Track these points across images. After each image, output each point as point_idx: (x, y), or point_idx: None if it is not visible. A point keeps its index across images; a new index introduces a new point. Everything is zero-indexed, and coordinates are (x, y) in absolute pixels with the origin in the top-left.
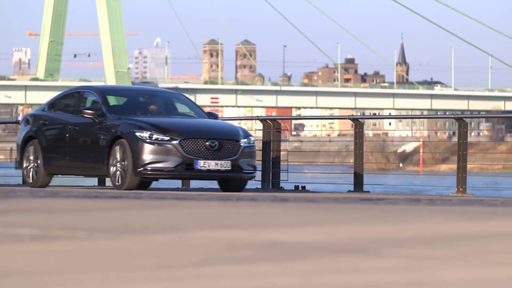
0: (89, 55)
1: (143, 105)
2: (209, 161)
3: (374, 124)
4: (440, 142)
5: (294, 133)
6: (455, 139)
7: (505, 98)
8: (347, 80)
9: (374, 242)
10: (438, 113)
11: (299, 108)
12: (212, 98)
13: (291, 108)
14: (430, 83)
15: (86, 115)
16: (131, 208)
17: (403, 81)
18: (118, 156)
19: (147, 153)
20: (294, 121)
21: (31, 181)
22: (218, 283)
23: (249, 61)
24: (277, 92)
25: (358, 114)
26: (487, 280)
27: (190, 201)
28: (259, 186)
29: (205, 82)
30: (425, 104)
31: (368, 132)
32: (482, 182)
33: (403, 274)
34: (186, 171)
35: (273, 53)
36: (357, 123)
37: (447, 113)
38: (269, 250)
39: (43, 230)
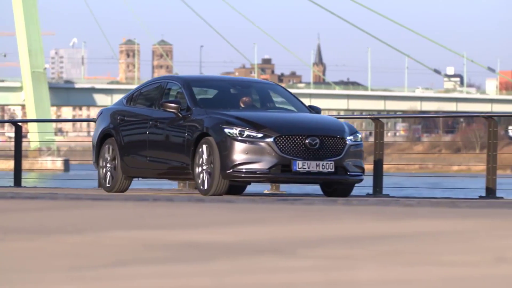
0: (5, 55)
1: (234, 97)
2: (308, 162)
3: None
4: None
5: None
6: (371, 139)
7: (421, 99)
8: None
9: (289, 242)
10: (355, 113)
11: None
12: None
13: None
14: (347, 84)
15: (168, 109)
16: (46, 209)
17: (320, 82)
18: (204, 156)
19: (238, 153)
20: None
21: (107, 184)
22: (134, 283)
23: (165, 61)
24: None
25: None
26: (401, 280)
27: (106, 201)
28: (176, 186)
29: (112, 82)
30: (342, 104)
31: None
32: (393, 182)
33: (318, 274)
34: (282, 174)
35: (190, 53)
36: None
37: (363, 113)
38: (185, 250)
39: None
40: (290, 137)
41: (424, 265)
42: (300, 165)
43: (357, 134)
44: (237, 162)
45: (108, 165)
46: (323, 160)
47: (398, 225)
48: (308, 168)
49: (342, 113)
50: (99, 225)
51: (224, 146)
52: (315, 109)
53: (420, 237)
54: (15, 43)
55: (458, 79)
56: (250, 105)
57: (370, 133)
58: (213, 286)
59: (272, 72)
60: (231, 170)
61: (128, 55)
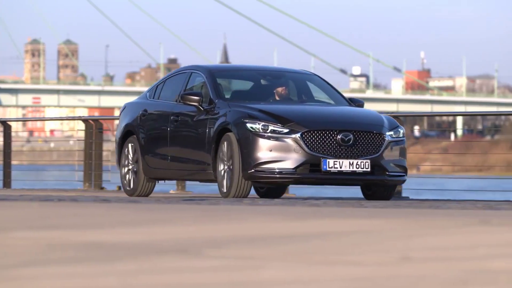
0: None
1: (265, 88)
2: (341, 160)
3: None
4: None
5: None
6: None
7: None
8: None
9: (195, 242)
10: None
11: None
12: (34, 98)
13: (114, 108)
14: None
15: (189, 102)
16: None
17: None
18: (225, 154)
19: (260, 150)
20: (117, 121)
21: (128, 188)
22: (39, 283)
23: (71, 61)
24: (99, 92)
25: None
26: (306, 280)
27: (10, 201)
28: (81, 187)
29: (17, 82)
30: None
31: None
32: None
33: (224, 274)
34: (310, 174)
35: (96, 53)
36: None
37: None
38: (91, 251)
39: None
40: (319, 132)
41: (330, 265)
42: (331, 164)
43: (399, 130)
44: (259, 161)
45: (130, 166)
46: (358, 158)
47: (304, 225)
48: (340, 167)
49: None
50: (3, 226)
51: (246, 143)
52: (356, 102)
53: (326, 237)
54: None
55: (364, 79)
56: (286, 98)
57: None
58: (119, 286)
59: None
60: (252, 170)
61: (33, 55)
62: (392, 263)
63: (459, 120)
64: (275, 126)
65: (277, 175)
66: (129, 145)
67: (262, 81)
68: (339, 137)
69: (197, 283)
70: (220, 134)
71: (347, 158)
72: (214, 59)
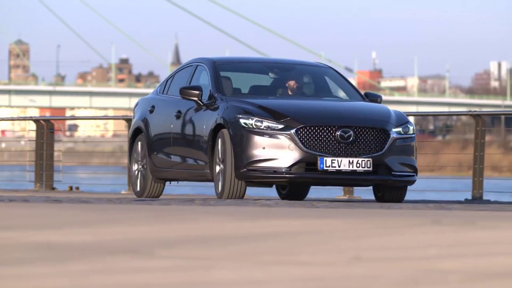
0: None
1: (274, 82)
2: (339, 159)
3: None
4: None
5: (68, 133)
6: None
7: None
8: (121, 80)
9: (147, 242)
10: None
11: (73, 108)
12: None
13: (65, 108)
14: None
15: (187, 97)
16: None
17: None
18: (220, 153)
19: (253, 148)
20: (68, 122)
21: (138, 189)
22: None
23: (22, 61)
24: (51, 93)
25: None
26: (258, 280)
27: None
28: (32, 187)
29: None
30: None
31: None
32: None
33: (176, 274)
34: (306, 173)
35: (47, 53)
36: (131, 123)
37: None
38: (42, 251)
39: None
40: (316, 128)
41: (281, 265)
42: (328, 163)
43: (408, 126)
44: (252, 159)
45: (139, 165)
46: (359, 156)
47: (256, 225)
48: (339, 166)
49: None
50: None
51: (238, 140)
52: (372, 97)
53: (278, 237)
54: None
55: None
56: (299, 92)
57: None
58: (71, 287)
59: (130, 72)
60: (245, 169)
61: None
62: (343, 263)
63: (411, 120)
64: (270, 121)
65: (271, 175)
66: (139, 143)
67: (271, 75)
68: (338, 133)
69: (149, 283)
70: (216, 131)
71: (346, 156)
72: (165, 59)
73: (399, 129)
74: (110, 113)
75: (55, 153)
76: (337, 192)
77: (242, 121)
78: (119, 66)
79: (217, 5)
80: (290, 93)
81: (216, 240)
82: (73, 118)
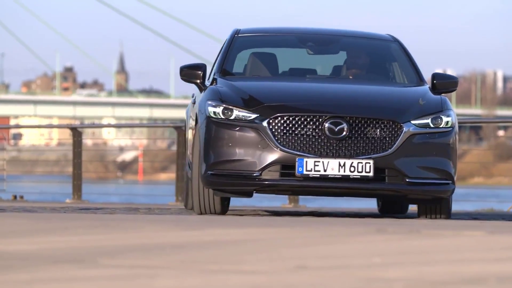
0: None
1: (305, 59)
2: (325, 160)
3: (93, 133)
4: (160, 151)
5: (12, 142)
6: (174, 148)
7: None
8: (66, 89)
9: (90, 251)
10: (158, 122)
11: (17, 116)
12: None
13: (9, 117)
14: (150, 92)
15: (188, 79)
16: None
17: (122, 90)
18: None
19: (217, 144)
20: (12, 130)
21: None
22: None
23: None
24: None
25: (78, 123)
26: None
27: None
28: None
29: None
30: (145, 112)
31: (88, 141)
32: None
33: (120, 282)
34: (281, 179)
35: None
36: (75, 132)
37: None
38: None
39: None
40: (296, 118)
41: (224, 274)
42: (310, 166)
43: (441, 117)
44: (215, 160)
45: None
46: (355, 157)
47: (199, 233)
48: (325, 170)
49: (145, 121)
50: None
51: (205, 135)
52: (439, 78)
53: (221, 246)
54: None
55: None
56: (333, 73)
57: (174, 142)
58: None
59: (74, 80)
60: (208, 173)
61: None
62: (287, 272)
63: None
64: (241, 110)
65: (238, 181)
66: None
67: (308, 51)
68: (326, 125)
69: None
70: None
71: (337, 157)
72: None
73: (425, 120)
74: (55, 121)
75: None
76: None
77: (210, 109)
78: (64, 74)
79: (161, 13)
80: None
81: (159, 249)
82: (18, 126)
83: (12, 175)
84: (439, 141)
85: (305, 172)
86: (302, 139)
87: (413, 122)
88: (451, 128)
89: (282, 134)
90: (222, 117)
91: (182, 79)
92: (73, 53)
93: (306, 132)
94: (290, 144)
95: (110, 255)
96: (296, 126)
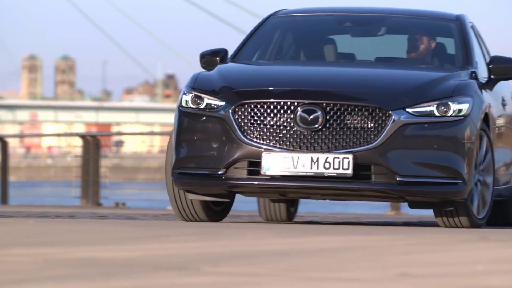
0: None
1: (344, 43)
2: (296, 155)
3: None
4: None
5: (114, 149)
6: None
7: None
8: (168, 96)
9: (193, 258)
10: None
11: (119, 124)
12: (31, 114)
13: (111, 124)
14: None
15: (207, 67)
16: None
17: None
18: None
19: (184, 138)
20: (114, 137)
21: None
22: None
23: (68, 76)
24: (97, 108)
25: None
26: None
27: (7, 218)
28: (78, 203)
29: (14, 98)
30: None
31: None
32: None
33: None
34: (248, 179)
35: (93, 68)
36: None
37: None
38: (87, 267)
39: None
40: (263, 106)
41: (327, 281)
42: (277, 162)
43: (448, 104)
44: (182, 156)
45: None
46: (332, 151)
47: (301, 241)
48: (295, 167)
49: None
50: (0, 242)
51: (176, 127)
52: (496, 62)
53: (323, 253)
54: None
55: None
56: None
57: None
58: None
59: (176, 87)
60: (176, 171)
61: (30, 70)
62: (390, 280)
63: None
64: (211, 98)
65: (203, 180)
66: None
67: (349, 35)
68: (298, 114)
69: None
70: None
71: (310, 151)
72: None
73: (427, 108)
74: (157, 128)
75: (102, 169)
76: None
77: (183, 98)
78: (166, 81)
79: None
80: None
81: (262, 256)
82: (120, 133)
83: (114, 182)
84: (444, 132)
85: (272, 170)
86: (272, 130)
87: (408, 109)
88: (462, 117)
89: (249, 124)
90: (192, 106)
91: (201, 66)
92: (175, 61)
93: (276, 122)
94: (258, 136)
95: (213, 263)
96: (265, 115)
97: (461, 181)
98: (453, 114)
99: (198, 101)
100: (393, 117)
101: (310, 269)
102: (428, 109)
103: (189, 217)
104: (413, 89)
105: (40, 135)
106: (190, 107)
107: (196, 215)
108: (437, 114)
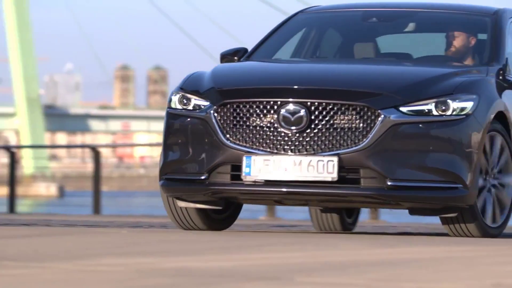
0: None
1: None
2: (279, 158)
3: None
4: None
5: None
6: None
7: None
8: None
9: (286, 268)
10: None
11: None
12: (124, 124)
13: None
14: None
15: None
16: (40, 235)
17: None
18: None
19: (169, 141)
20: None
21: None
22: None
23: (161, 86)
24: None
25: None
26: None
27: (100, 227)
28: None
29: (106, 108)
30: None
31: None
32: None
33: None
34: (231, 184)
35: None
36: None
37: None
38: (180, 277)
39: None
40: (246, 106)
41: None
42: (258, 166)
43: (447, 101)
44: (167, 160)
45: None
46: (317, 154)
47: (394, 251)
48: (276, 171)
49: None
50: (93, 252)
51: (163, 130)
52: None
53: (417, 263)
54: (8, 69)
55: None
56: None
57: None
58: None
59: None
60: (163, 177)
61: (123, 80)
62: None
63: None
64: (197, 98)
65: (188, 186)
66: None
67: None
68: (281, 113)
69: None
70: None
71: (294, 153)
72: None
73: (424, 106)
74: None
75: None
76: None
77: (172, 99)
78: None
79: None
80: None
81: (355, 267)
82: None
83: None
84: (442, 132)
85: (253, 174)
86: (255, 131)
87: (402, 108)
88: (464, 117)
89: (231, 125)
90: (179, 107)
91: None
92: None
93: (260, 123)
94: (241, 138)
95: (307, 273)
96: (248, 115)
97: (461, 185)
98: (454, 113)
99: (185, 101)
100: (382, 116)
101: (404, 280)
102: (425, 107)
103: (186, 225)
104: (409, 87)
105: (132, 145)
106: (178, 108)
107: (193, 223)
108: (435, 113)
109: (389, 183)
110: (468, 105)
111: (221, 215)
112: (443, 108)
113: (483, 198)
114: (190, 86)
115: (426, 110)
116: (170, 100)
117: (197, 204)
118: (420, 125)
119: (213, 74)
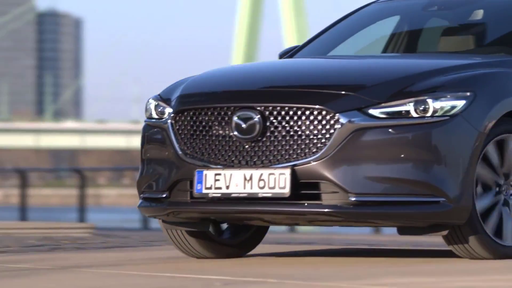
0: None
1: (427, 34)
2: (229, 172)
3: None
4: None
5: None
6: None
7: None
8: None
9: None
10: None
11: None
12: None
13: None
14: None
15: None
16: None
17: None
18: None
19: (142, 156)
20: None
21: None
22: None
23: None
24: None
25: None
26: None
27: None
28: None
29: None
30: None
31: None
32: None
33: None
34: (187, 204)
35: None
36: None
37: None
38: None
39: None
40: (201, 113)
41: None
42: (209, 181)
43: (426, 100)
44: (140, 177)
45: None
46: (269, 166)
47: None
48: (227, 186)
49: None
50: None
51: (140, 142)
52: None
53: None
54: None
55: None
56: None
57: None
58: None
59: None
60: (140, 196)
61: None
62: None
63: None
64: (166, 106)
65: (152, 205)
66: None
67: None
68: (234, 120)
69: None
70: None
71: (246, 166)
72: None
73: (398, 107)
74: None
75: None
76: None
77: (147, 106)
78: None
79: None
80: None
81: None
82: None
83: None
84: (417, 137)
85: (204, 191)
86: (211, 142)
87: (370, 110)
88: (448, 118)
89: (189, 136)
90: (155, 116)
91: None
92: None
93: (215, 132)
94: (197, 150)
95: None
96: (204, 123)
97: (444, 199)
98: (435, 114)
99: (160, 109)
100: (340, 120)
101: None
102: (402, 108)
103: (186, 250)
104: (381, 84)
105: None
106: (153, 118)
107: (192, 247)
108: (414, 114)
109: (352, 199)
110: (458, 104)
111: (237, 238)
112: (424, 107)
113: (497, 213)
114: (166, 93)
115: (404, 112)
116: (146, 109)
117: (178, 226)
118: (390, 130)
119: (191, 79)
